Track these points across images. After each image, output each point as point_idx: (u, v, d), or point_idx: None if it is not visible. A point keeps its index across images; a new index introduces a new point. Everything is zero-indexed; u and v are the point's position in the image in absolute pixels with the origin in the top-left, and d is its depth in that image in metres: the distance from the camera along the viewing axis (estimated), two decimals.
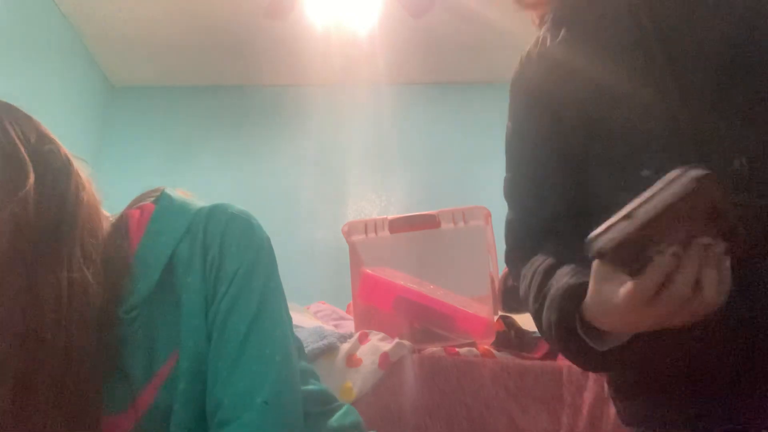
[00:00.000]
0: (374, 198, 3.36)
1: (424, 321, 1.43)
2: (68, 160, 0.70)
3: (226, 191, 3.24)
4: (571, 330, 0.60)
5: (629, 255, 0.52)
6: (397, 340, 1.31)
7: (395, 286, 1.44)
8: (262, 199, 3.25)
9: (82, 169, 0.72)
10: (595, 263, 0.55)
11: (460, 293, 1.48)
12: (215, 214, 0.72)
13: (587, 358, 0.61)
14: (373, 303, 1.48)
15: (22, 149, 0.65)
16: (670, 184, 0.50)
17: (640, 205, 0.51)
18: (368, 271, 1.48)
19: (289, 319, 0.82)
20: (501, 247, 1.47)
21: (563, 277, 0.63)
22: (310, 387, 0.81)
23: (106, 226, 0.73)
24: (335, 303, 2.09)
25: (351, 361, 1.27)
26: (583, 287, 0.58)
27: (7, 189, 0.62)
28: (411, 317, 1.43)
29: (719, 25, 0.66)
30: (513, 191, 0.77)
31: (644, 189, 0.52)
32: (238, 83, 3.55)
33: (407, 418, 1.21)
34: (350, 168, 3.40)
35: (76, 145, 3.49)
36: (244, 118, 3.50)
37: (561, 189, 0.72)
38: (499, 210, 1.69)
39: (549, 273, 0.66)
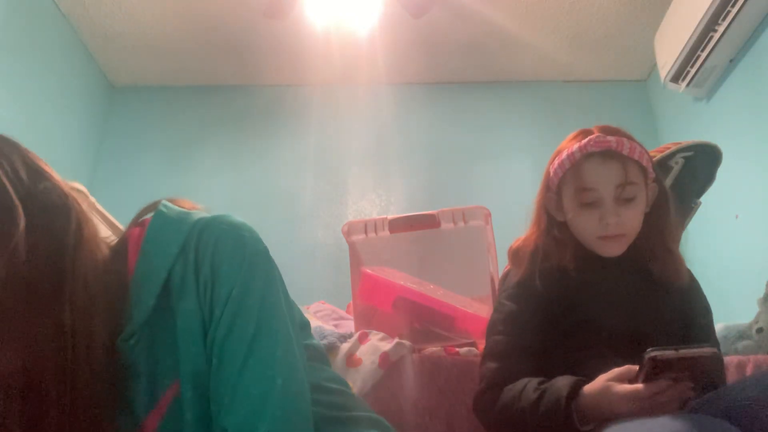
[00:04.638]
0: (374, 198, 3.36)
1: (424, 321, 1.43)
2: (65, 195, 0.64)
3: (226, 191, 3.24)
4: (567, 413, 0.85)
5: (657, 372, 0.77)
6: (397, 340, 1.31)
7: (395, 286, 1.44)
8: (262, 199, 3.25)
9: (81, 197, 0.67)
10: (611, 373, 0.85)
11: (460, 293, 1.48)
12: (206, 230, 0.67)
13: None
14: (373, 303, 1.48)
15: (11, 191, 0.59)
16: (701, 349, 0.78)
17: (686, 348, 0.77)
18: (368, 271, 1.48)
19: (304, 324, 0.78)
20: (501, 247, 1.48)
21: (558, 380, 0.90)
22: (329, 397, 0.77)
23: (105, 251, 0.68)
24: (335, 303, 2.09)
25: (351, 360, 1.27)
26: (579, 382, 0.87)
27: None
28: (411, 317, 1.43)
29: None
30: (505, 349, 1.04)
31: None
32: (238, 83, 3.54)
33: (407, 418, 1.21)
34: (350, 168, 3.40)
35: (76, 145, 3.48)
36: (244, 118, 3.50)
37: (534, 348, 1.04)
38: (499, 210, 1.70)
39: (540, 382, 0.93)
